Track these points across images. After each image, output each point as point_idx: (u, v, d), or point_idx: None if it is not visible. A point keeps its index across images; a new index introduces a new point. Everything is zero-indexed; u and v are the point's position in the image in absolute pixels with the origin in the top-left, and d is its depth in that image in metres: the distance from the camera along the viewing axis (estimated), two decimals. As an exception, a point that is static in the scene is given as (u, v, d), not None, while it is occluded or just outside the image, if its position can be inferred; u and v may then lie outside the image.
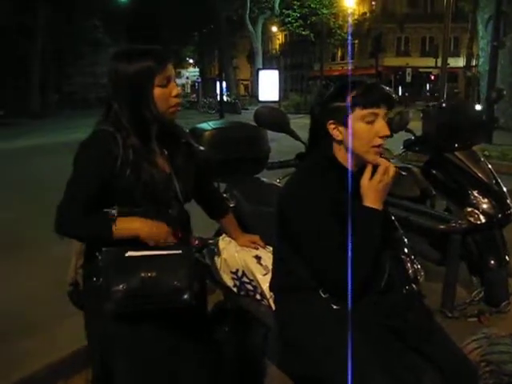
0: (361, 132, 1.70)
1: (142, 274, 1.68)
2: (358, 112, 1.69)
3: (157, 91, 1.73)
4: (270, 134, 2.90)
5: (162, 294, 1.70)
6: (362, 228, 1.69)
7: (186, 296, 1.72)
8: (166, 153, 1.85)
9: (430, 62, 35.19)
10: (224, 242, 2.26)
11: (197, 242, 2.18)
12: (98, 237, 1.72)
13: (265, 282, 2.07)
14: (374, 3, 46.13)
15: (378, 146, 1.71)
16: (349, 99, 1.70)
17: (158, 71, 1.72)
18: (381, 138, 1.70)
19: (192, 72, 60.31)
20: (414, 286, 1.99)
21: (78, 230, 1.71)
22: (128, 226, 1.70)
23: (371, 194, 1.70)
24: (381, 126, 1.69)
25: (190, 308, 1.76)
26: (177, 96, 1.78)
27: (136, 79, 1.71)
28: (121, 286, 1.65)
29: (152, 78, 1.72)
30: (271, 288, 2.00)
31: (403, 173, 3.48)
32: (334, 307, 1.73)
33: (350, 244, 1.65)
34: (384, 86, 1.75)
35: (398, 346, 1.69)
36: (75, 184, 1.72)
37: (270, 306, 2.05)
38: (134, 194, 1.72)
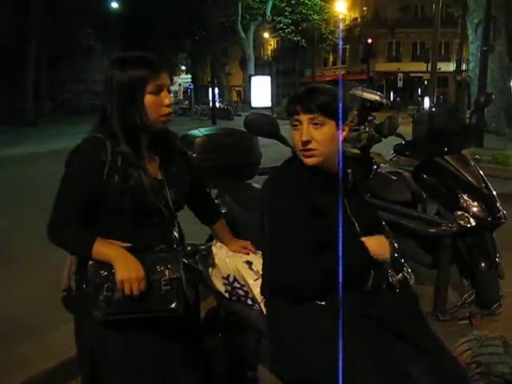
0: (292, 137, 1.86)
1: None
2: (291, 119, 1.85)
3: (148, 99, 1.74)
4: (262, 140, 2.92)
5: (149, 303, 1.70)
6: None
7: (173, 305, 1.72)
8: (159, 160, 1.85)
9: (421, 66, 35.24)
10: (215, 248, 2.27)
11: (189, 248, 2.19)
12: (77, 253, 1.78)
13: (256, 286, 2.08)
14: (365, 9, 46.31)
15: (303, 150, 1.81)
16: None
17: (150, 79, 1.73)
18: (302, 143, 1.80)
19: (184, 79, 60.30)
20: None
21: (60, 241, 1.75)
22: (105, 251, 1.70)
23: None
24: (301, 131, 1.81)
25: (183, 314, 1.77)
26: (169, 105, 1.79)
27: (128, 86, 1.72)
28: (108, 295, 1.66)
29: (144, 85, 1.72)
30: (262, 292, 2.02)
31: (394, 177, 3.51)
32: (319, 303, 1.77)
33: (340, 245, 1.68)
34: (311, 93, 1.83)
35: (384, 338, 1.72)
36: (64, 193, 1.74)
37: (261, 311, 2.07)
38: (122, 200, 1.72)
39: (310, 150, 1.80)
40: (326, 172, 1.85)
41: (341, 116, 1.79)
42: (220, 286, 2.24)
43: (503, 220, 3.18)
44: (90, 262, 1.69)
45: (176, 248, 1.83)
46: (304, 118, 1.80)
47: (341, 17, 38.95)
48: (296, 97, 1.85)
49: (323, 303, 1.77)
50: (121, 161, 1.72)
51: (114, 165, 1.71)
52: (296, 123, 1.83)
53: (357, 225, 1.89)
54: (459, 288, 3.41)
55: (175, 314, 1.74)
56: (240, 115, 27.96)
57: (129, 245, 1.73)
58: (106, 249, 1.70)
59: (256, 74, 34.49)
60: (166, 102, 1.78)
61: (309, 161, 1.82)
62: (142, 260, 1.71)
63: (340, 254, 1.67)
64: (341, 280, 1.69)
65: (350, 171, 1.96)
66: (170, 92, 1.85)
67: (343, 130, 1.86)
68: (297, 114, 1.81)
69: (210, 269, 2.25)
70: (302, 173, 1.85)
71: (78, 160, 1.75)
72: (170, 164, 1.87)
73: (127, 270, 1.67)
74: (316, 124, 1.80)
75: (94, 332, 1.77)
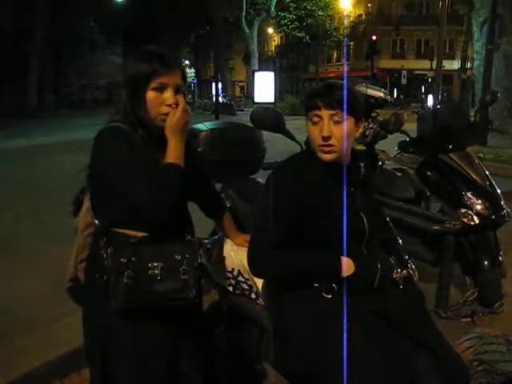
0: (310, 132, 1.86)
1: (149, 272, 1.70)
2: (309, 114, 1.84)
3: (150, 95, 1.73)
4: (266, 134, 2.91)
5: (167, 290, 1.72)
6: None
7: (191, 294, 1.75)
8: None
9: (426, 64, 35.29)
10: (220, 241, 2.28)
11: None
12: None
13: (260, 281, 2.08)
14: (369, 5, 46.20)
15: (322, 146, 1.81)
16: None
17: (156, 75, 1.72)
18: (323, 138, 1.80)
19: (188, 73, 60.25)
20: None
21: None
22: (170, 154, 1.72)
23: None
24: (322, 126, 1.81)
25: (186, 307, 1.78)
26: (171, 105, 1.74)
27: (134, 79, 1.73)
28: (128, 283, 1.67)
29: (148, 80, 1.72)
30: (265, 286, 2.03)
31: (398, 174, 3.50)
32: (326, 296, 1.78)
33: (345, 239, 1.69)
34: (331, 88, 1.83)
35: (389, 332, 1.73)
36: (121, 168, 1.69)
37: (265, 305, 2.07)
38: None
39: (330, 145, 1.80)
40: (337, 167, 1.84)
41: (345, 112, 1.79)
42: (224, 279, 2.24)
43: (507, 218, 3.18)
44: (109, 250, 1.69)
45: (191, 239, 1.86)
46: (325, 113, 1.80)
47: (345, 13, 38.80)
48: (317, 92, 1.85)
49: (329, 296, 1.78)
50: (143, 149, 1.72)
51: (139, 150, 1.71)
52: (316, 118, 1.82)
53: (365, 220, 1.89)
54: (462, 286, 3.40)
55: (192, 302, 1.76)
56: (243, 110, 27.96)
57: (146, 234, 1.74)
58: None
59: (260, 69, 34.40)
60: (168, 101, 1.74)
61: (327, 157, 1.82)
62: (160, 250, 1.73)
63: (344, 247, 1.69)
64: (346, 275, 1.72)
65: (362, 165, 1.97)
66: (179, 92, 1.79)
67: (358, 127, 1.88)
68: (318, 109, 1.81)
69: (215, 262, 2.25)
70: (312, 167, 1.85)
71: (116, 143, 1.71)
72: None
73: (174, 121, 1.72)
74: (336, 120, 1.80)
75: (107, 322, 1.77)
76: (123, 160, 1.68)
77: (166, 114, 1.74)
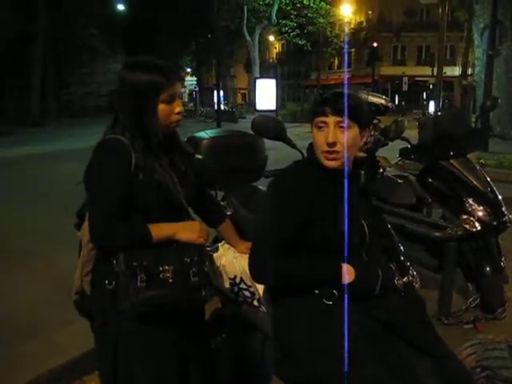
0: (315, 138, 1.87)
1: (161, 275, 1.72)
2: (315, 120, 1.85)
3: (161, 107, 1.79)
4: (268, 142, 2.93)
5: (179, 292, 1.75)
6: None
7: (200, 294, 1.78)
8: (168, 160, 1.89)
9: (427, 70, 35.27)
10: (222, 249, 2.29)
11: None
12: (138, 243, 1.75)
13: (262, 288, 2.09)
14: (370, 12, 46.35)
15: (327, 152, 1.82)
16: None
17: (164, 88, 1.78)
18: (328, 144, 1.81)
19: (189, 81, 60.33)
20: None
21: (116, 241, 1.74)
22: (164, 233, 1.77)
23: None
24: (327, 133, 1.82)
25: (191, 312, 1.82)
26: (179, 113, 1.85)
27: (143, 92, 1.76)
28: (141, 286, 1.69)
29: (158, 93, 1.77)
30: (267, 294, 2.03)
31: (399, 181, 3.51)
32: (326, 303, 1.79)
33: (346, 244, 1.69)
34: (340, 96, 1.84)
35: (390, 339, 1.74)
36: (103, 194, 1.75)
37: (267, 312, 2.07)
38: (148, 197, 1.77)
39: (335, 152, 1.81)
40: (338, 174, 1.85)
41: (346, 116, 1.80)
42: (226, 286, 2.25)
43: (508, 224, 3.18)
44: (122, 255, 1.71)
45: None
46: (332, 120, 1.81)
47: (346, 20, 38.94)
48: (325, 99, 1.86)
49: (330, 303, 1.78)
50: (143, 160, 1.76)
51: (138, 163, 1.75)
52: (321, 125, 1.83)
53: (366, 227, 1.90)
54: (464, 292, 3.40)
55: (204, 302, 1.84)
56: (245, 118, 28.03)
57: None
58: (161, 230, 1.77)
59: (261, 76, 34.47)
60: (177, 110, 1.84)
61: (331, 163, 1.83)
62: (169, 253, 1.77)
63: (345, 253, 1.70)
64: (346, 282, 1.72)
65: (362, 173, 1.97)
66: (180, 98, 1.90)
67: (363, 135, 1.89)
68: (324, 115, 1.82)
69: (217, 270, 2.26)
70: (313, 174, 1.86)
71: (107, 159, 1.78)
72: (178, 164, 1.92)
73: (189, 235, 1.80)
74: (342, 127, 1.81)
75: (117, 330, 1.79)
76: (106, 183, 1.75)
77: (176, 121, 1.85)
